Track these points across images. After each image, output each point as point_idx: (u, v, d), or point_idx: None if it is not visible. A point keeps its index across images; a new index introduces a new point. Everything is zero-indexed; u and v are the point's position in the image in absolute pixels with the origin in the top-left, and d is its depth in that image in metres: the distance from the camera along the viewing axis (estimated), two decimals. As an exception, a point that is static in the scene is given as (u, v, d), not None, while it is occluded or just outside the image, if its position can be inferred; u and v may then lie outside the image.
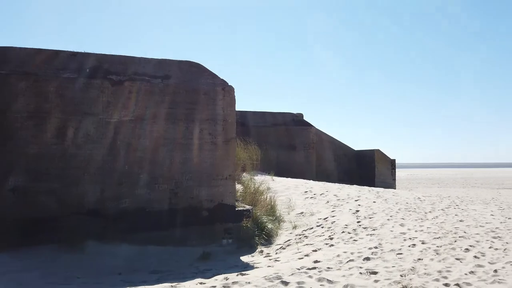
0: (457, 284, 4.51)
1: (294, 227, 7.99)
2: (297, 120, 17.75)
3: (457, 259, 5.51)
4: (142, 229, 6.55)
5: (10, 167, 5.98)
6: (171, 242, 6.64)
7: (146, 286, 4.57)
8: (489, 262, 5.37)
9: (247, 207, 7.88)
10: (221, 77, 7.49)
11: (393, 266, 5.17)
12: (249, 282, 4.55)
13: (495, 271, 5.00)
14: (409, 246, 6.19)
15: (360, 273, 4.91)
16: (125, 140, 6.63)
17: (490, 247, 6.16)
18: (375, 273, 4.91)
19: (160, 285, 4.60)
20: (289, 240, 7.32)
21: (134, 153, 6.66)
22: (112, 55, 6.78)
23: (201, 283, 4.65)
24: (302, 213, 8.90)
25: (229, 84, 7.49)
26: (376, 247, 6.13)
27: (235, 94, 7.53)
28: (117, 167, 6.54)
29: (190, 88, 7.14)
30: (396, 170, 19.14)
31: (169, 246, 6.57)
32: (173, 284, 4.62)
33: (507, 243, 6.50)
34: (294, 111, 18.17)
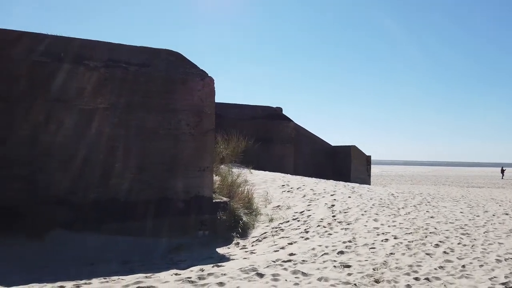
0: (426, 278, 4.62)
1: (271, 220, 8.01)
2: (276, 114, 17.75)
3: (427, 254, 5.66)
4: (114, 220, 6.39)
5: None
6: (144, 233, 6.52)
7: (119, 277, 4.45)
8: (457, 258, 5.54)
9: (224, 199, 7.83)
10: (201, 68, 7.37)
11: (366, 260, 5.25)
12: (224, 274, 4.52)
13: (463, 266, 5.17)
14: (381, 240, 6.31)
15: (334, 266, 4.96)
16: (99, 128, 6.42)
17: (459, 243, 6.37)
18: (348, 266, 4.98)
19: (134, 275, 4.50)
20: (265, 232, 7.33)
21: (108, 142, 6.47)
22: (87, 39, 6.51)
23: (176, 274, 4.58)
24: (278, 206, 8.93)
25: (209, 75, 7.38)
26: (350, 241, 6.21)
27: (215, 85, 7.44)
28: (90, 155, 6.34)
29: (167, 77, 6.98)
30: (371, 166, 19.51)
31: (142, 237, 6.45)
32: (148, 274, 4.53)
33: (475, 239, 6.73)
34: (274, 105, 18.18)
